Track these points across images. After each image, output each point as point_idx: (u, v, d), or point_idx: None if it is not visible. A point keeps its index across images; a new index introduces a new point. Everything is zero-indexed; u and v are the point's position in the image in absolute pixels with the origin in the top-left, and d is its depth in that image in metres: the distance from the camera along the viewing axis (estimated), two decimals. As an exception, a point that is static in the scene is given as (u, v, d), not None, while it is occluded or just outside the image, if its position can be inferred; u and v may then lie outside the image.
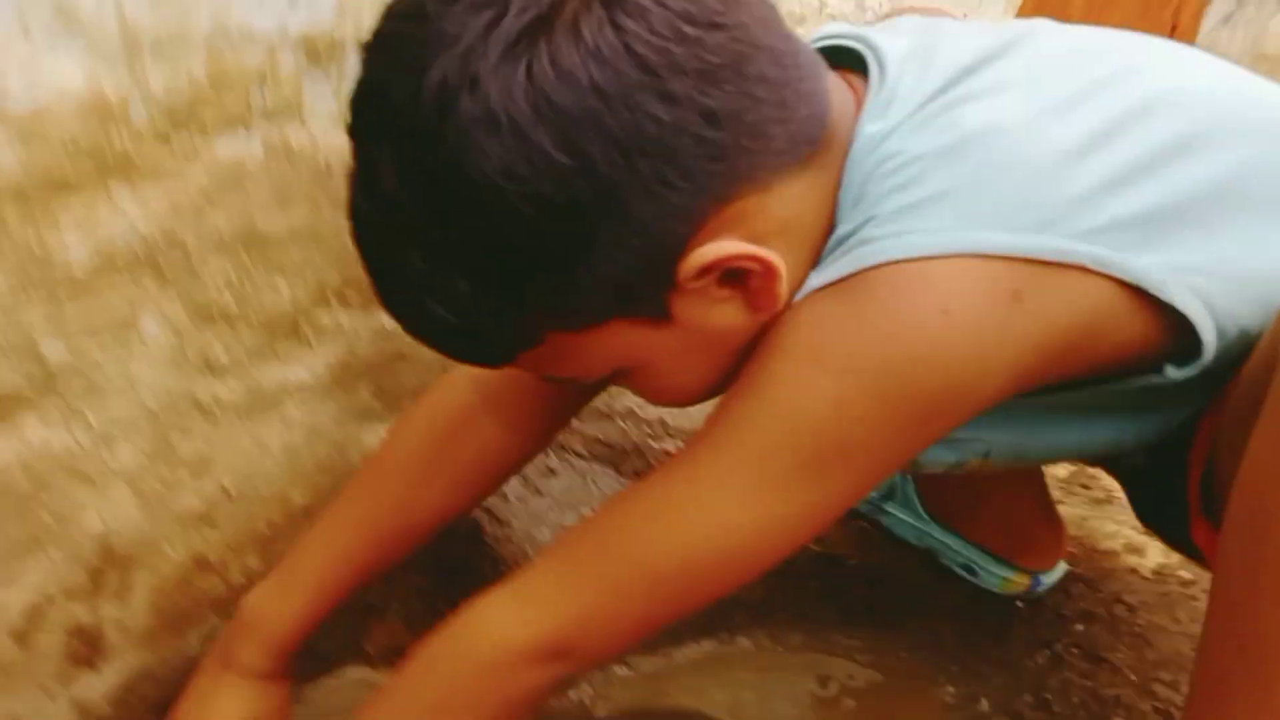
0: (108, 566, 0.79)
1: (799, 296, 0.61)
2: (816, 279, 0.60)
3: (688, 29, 0.53)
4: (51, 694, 0.79)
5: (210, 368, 0.80)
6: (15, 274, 0.68)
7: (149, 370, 0.77)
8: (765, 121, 0.56)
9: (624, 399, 1.26)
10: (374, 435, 0.95)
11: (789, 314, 0.61)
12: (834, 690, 0.96)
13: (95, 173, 0.69)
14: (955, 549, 1.04)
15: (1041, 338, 0.58)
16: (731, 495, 0.60)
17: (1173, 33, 2.54)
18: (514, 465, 0.85)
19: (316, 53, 0.78)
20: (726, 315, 0.62)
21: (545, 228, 0.54)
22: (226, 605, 0.89)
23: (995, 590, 1.03)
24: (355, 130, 0.57)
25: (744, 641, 1.00)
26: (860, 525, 1.13)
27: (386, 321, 0.90)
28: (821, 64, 0.63)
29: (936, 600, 1.04)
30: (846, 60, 0.68)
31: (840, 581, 1.07)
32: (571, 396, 0.84)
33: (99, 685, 0.82)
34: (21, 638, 0.76)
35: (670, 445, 1.16)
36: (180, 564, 0.84)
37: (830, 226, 0.63)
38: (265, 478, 0.87)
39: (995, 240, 0.56)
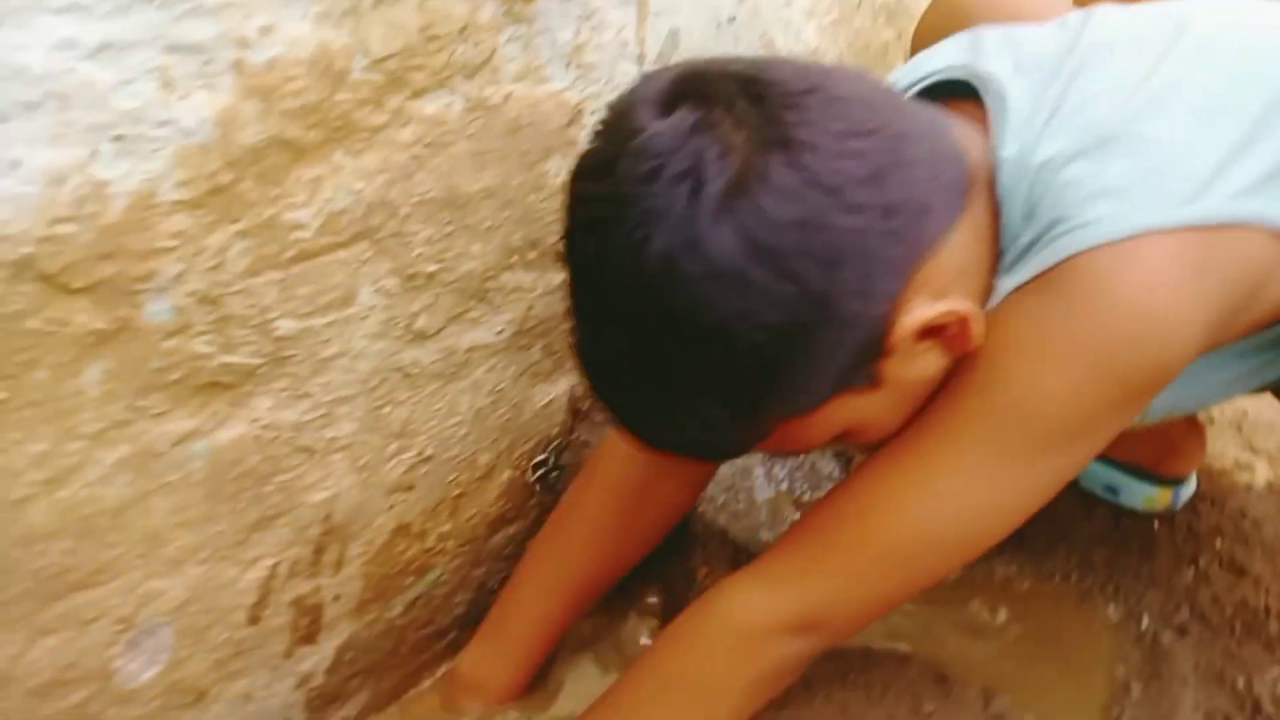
0: (329, 539, 0.78)
1: (993, 303, 0.66)
2: (1010, 281, 0.66)
3: (850, 144, 0.59)
4: (278, 670, 0.79)
5: (415, 335, 0.79)
6: (254, 247, 0.66)
7: (364, 341, 0.75)
8: (927, 195, 0.62)
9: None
10: (542, 395, 0.95)
11: (995, 319, 0.65)
12: (1002, 617, 0.98)
13: (322, 136, 0.67)
14: (1096, 471, 1.06)
15: (1225, 298, 0.64)
16: (971, 478, 0.66)
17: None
18: (686, 511, 0.93)
19: (513, 1, 0.76)
20: (929, 364, 0.66)
21: (776, 348, 0.59)
22: (425, 570, 0.88)
23: (1138, 508, 1.06)
24: (581, 305, 0.65)
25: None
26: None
27: (558, 279, 0.89)
28: (941, 117, 0.68)
29: (1082, 526, 1.07)
30: (953, 90, 0.73)
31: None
32: None
33: (317, 657, 0.82)
34: (254, 617, 0.76)
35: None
36: (386, 532, 0.83)
37: (995, 247, 0.68)
38: (457, 441, 0.87)
39: (1172, 216, 0.62)
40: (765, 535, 0.99)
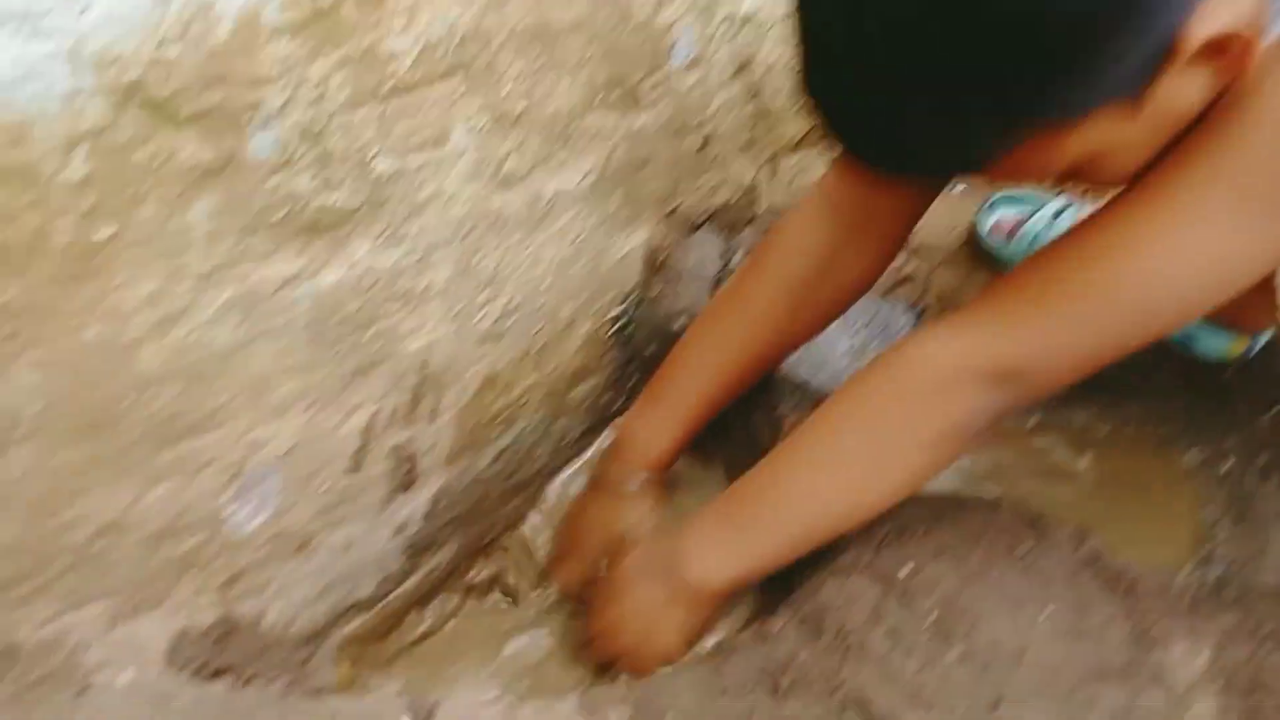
0: (425, 388, 0.78)
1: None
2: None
3: None
4: (378, 519, 0.79)
5: (503, 179, 0.76)
6: (353, 78, 0.63)
7: (457, 184, 0.73)
8: None
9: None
10: (620, 246, 0.92)
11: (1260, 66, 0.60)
12: (1084, 463, 0.98)
13: (418, -38, 0.63)
14: (1171, 322, 1.05)
15: None
16: (1209, 227, 0.62)
17: None
18: (864, 289, 0.85)
19: None
20: (1195, 90, 0.60)
21: (1078, 31, 0.53)
22: (511, 422, 0.88)
23: (1216, 357, 1.05)
24: None
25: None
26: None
27: (637, 123, 0.86)
28: None
29: (1155, 376, 1.06)
30: None
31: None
32: (910, 216, 0.83)
33: (413, 505, 0.82)
34: (355, 464, 0.75)
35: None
36: (477, 382, 0.82)
37: None
38: (541, 291, 0.85)
39: None
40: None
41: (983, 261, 1.16)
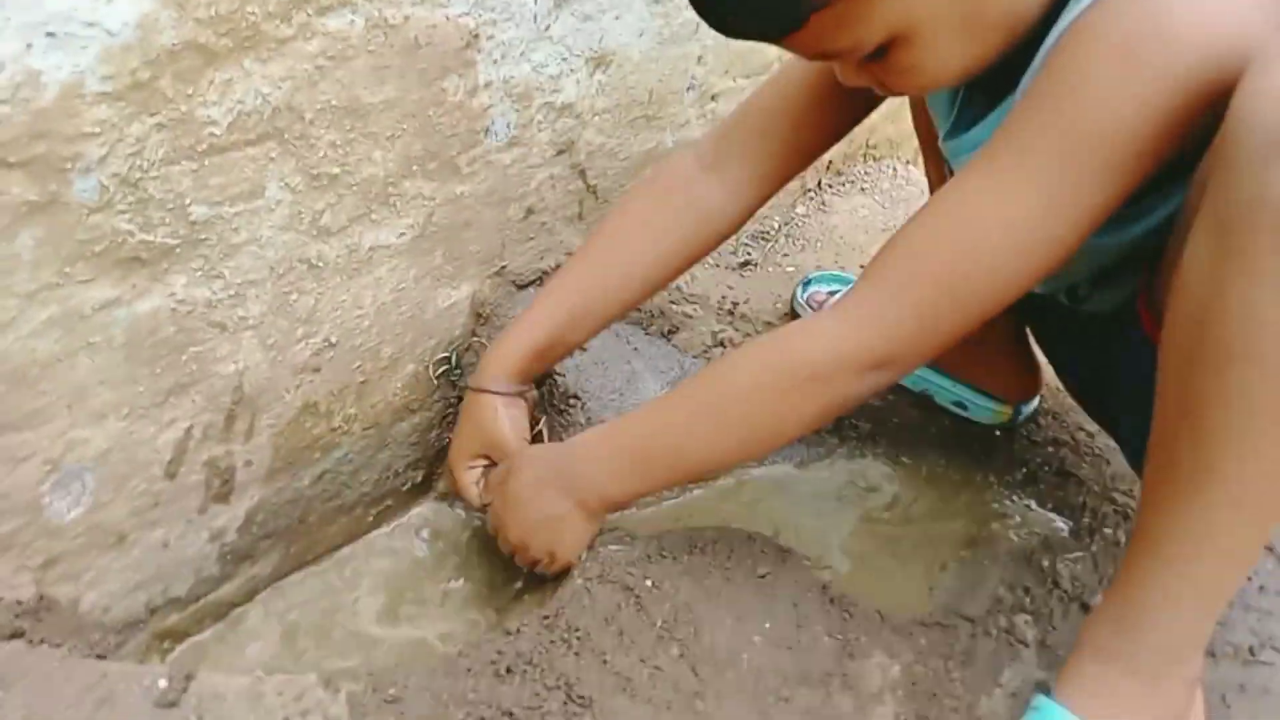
0: (239, 409, 0.89)
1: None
2: None
3: None
4: (193, 524, 0.90)
5: (320, 231, 0.89)
6: (170, 139, 0.75)
7: (272, 231, 0.85)
8: None
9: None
10: (445, 297, 1.05)
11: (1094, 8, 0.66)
12: (852, 493, 1.11)
13: (233, 44, 0.76)
14: (948, 388, 1.19)
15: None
16: (1031, 198, 0.69)
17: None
18: (730, 230, 1.01)
19: (410, -64, 0.85)
20: None
21: None
22: (332, 447, 0.99)
23: (985, 421, 1.19)
24: None
25: (774, 470, 1.14)
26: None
27: (457, 190, 0.99)
28: None
29: (929, 432, 1.19)
30: None
31: (848, 421, 1.21)
32: (785, 161, 0.99)
33: (229, 516, 0.92)
34: (171, 472, 0.86)
35: (688, 309, 1.28)
36: (295, 408, 0.93)
37: None
38: (360, 332, 0.97)
39: None
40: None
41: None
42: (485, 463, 0.98)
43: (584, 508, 0.87)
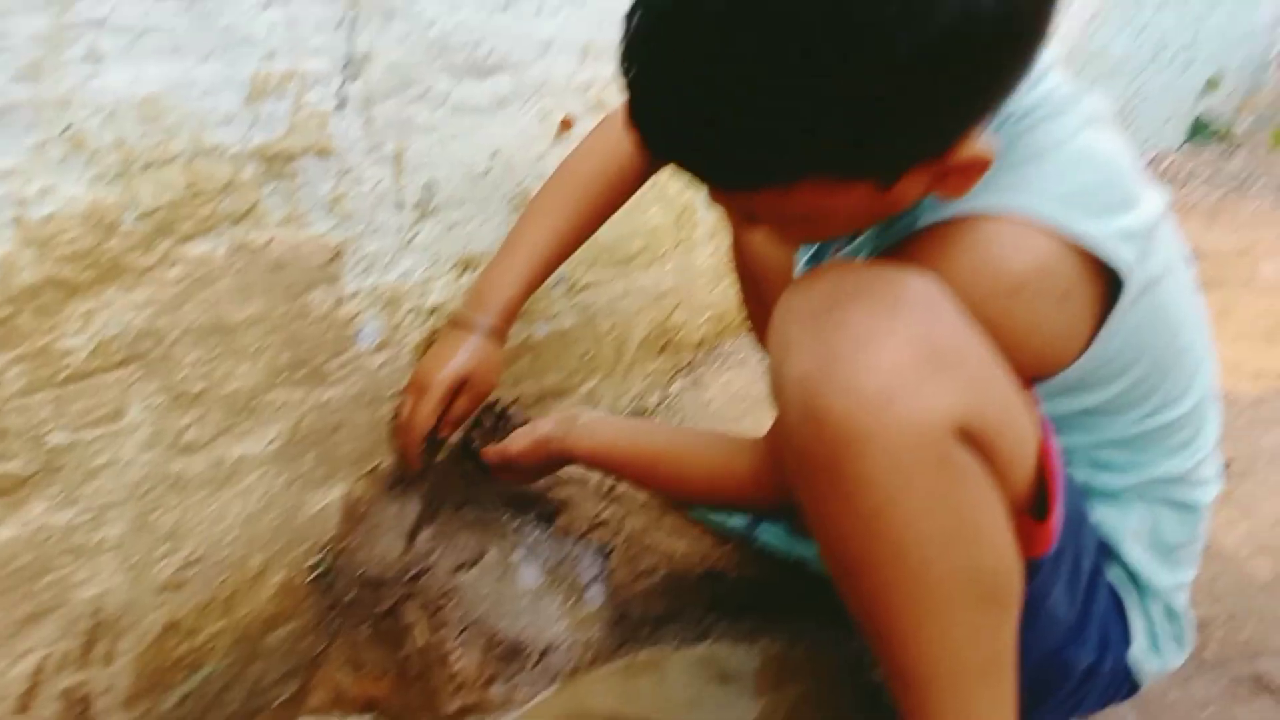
0: (98, 634, 0.86)
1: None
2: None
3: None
4: (46, 760, 0.85)
5: (183, 447, 0.89)
6: (29, 371, 0.76)
7: (133, 452, 0.85)
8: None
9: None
10: (316, 501, 1.05)
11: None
12: (732, 671, 1.12)
13: (94, 276, 0.79)
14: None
15: None
16: None
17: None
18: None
19: (272, 162, 0.90)
20: (916, 192, 0.69)
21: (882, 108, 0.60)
22: (197, 666, 0.96)
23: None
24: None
25: (649, 651, 1.15)
26: (738, 543, 1.30)
27: (325, 395, 1.02)
28: None
29: (807, 599, 1.22)
30: None
31: (724, 593, 1.23)
32: None
33: (87, 748, 0.88)
34: (23, 705, 0.82)
35: (568, 491, 1.30)
36: (157, 628, 0.91)
37: None
38: (225, 544, 0.96)
39: None
40: (525, 621, 1.11)
41: (670, 509, 1.33)
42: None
43: (563, 456, 1.07)
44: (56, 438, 0.80)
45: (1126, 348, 0.77)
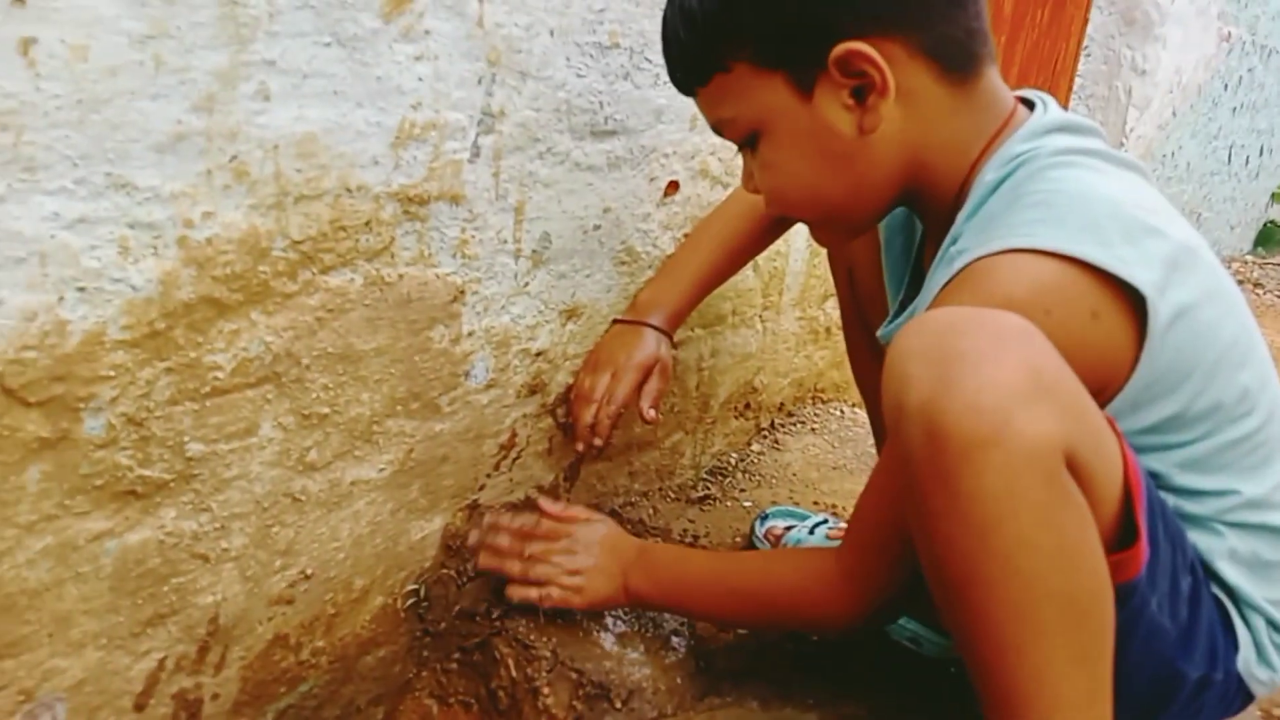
0: (213, 641, 0.90)
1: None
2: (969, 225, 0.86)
3: None
4: (155, 759, 0.89)
5: (306, 466, 0.94)
6: (177, 382, 0.81)
7: (261, 467, 0.90)
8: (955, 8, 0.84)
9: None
10: (418, 530, 1.09)
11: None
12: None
13: (243, 298, 0.84)
14: (901, 625, 1.23)
15: None
16: None
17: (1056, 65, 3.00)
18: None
19: (409, 204, 0.95)
20: (842, 122, 0.86)
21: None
22: (298, 682, 1.00)
23: (936, 655, 1.22)
24: None
25: (731, 703, 1.15)
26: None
27: (436, 428, 1.06)
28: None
29: (884, 665, 1.22)
30: None
31: (808, 655, 1.24)
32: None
33: (191, 752, 0.92)
34: (140, 704, 0.86)
35: (651, 541, 1.32)
36: (265, 640, 0.95)
37: (960, 154, 0.88)
38: (335, 564, 1.00)
39: None
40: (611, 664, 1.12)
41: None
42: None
43: (625, 580, 1.08)
44: (194, 448, 0.84)
45: (1174, 366, 0.80)
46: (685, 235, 1.35)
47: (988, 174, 0.86)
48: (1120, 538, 0.77)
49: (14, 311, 0.71)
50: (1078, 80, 3.19)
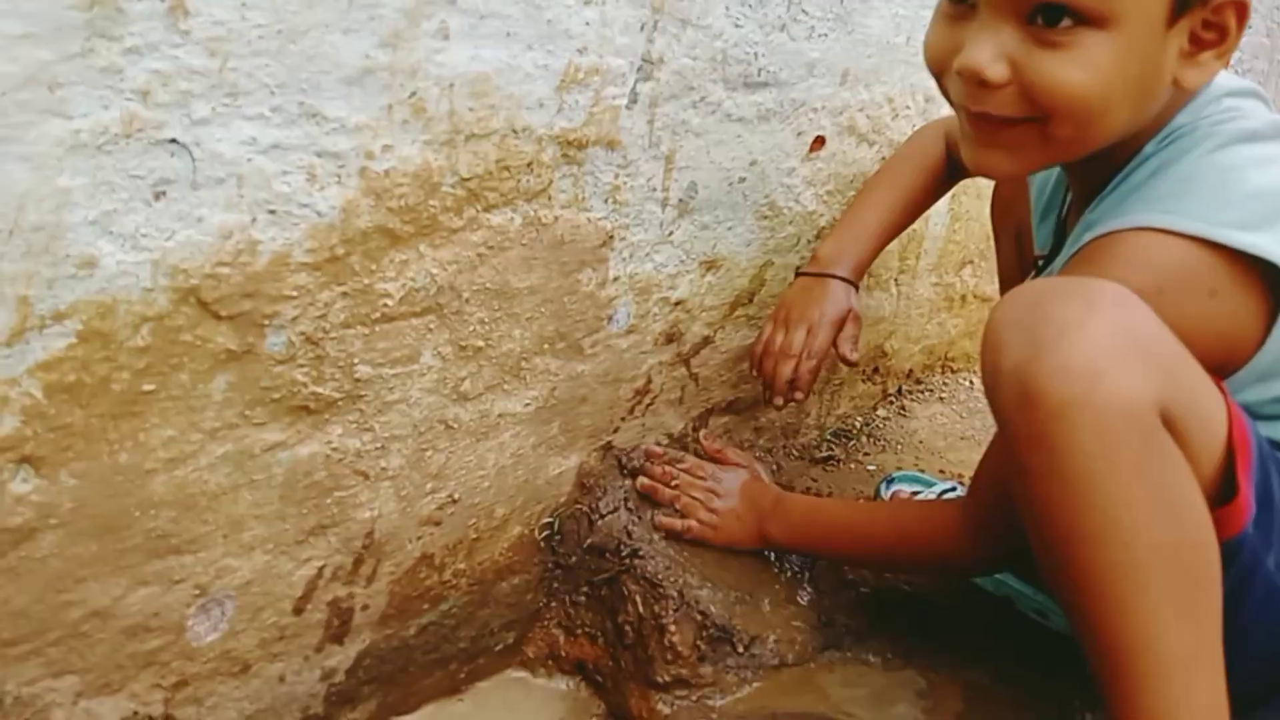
0: (367, 555, 0.95)
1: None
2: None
3: None
4: (309, 661, 0.95)
5: (459, 395, 0.98)
6: (350, 306, 0.86)
7: (420, 393, 0.94)
8: None
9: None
10: (556, 465, 1.12)
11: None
12: (930, 701, 1.12)
13: (414, 230, 0.88)
14: (1030, 596, 1.21)
15: None
16: None
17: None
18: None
19: (568, 148, 0.98)
20: (1172, 61, 0.79)
21: None
22: (439, 600, 1.05)
23: (1063, 630, 1.20)
24: None
25: (851, 659, 1.16)
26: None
27: (578, 369, 1.08)
28: None
29: (1009, 636, 1.21)
30: None
31: (931, 619, 1.23)
32: None
33: (341, 657, 0.98)
34: (298, 608, 0.92)
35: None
36: (413, 558, 1.00)
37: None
38: (480, 491, 1.04)
39: None
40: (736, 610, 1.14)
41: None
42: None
43: (760, 528, 1.15)
44: (362, 370, 0.89)
45: None
46: (828, 192, 1.35)
47: (1148, 147, 0.86)
48: (1222, 494, 0.77)
49: (212, 229, 0.75)
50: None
